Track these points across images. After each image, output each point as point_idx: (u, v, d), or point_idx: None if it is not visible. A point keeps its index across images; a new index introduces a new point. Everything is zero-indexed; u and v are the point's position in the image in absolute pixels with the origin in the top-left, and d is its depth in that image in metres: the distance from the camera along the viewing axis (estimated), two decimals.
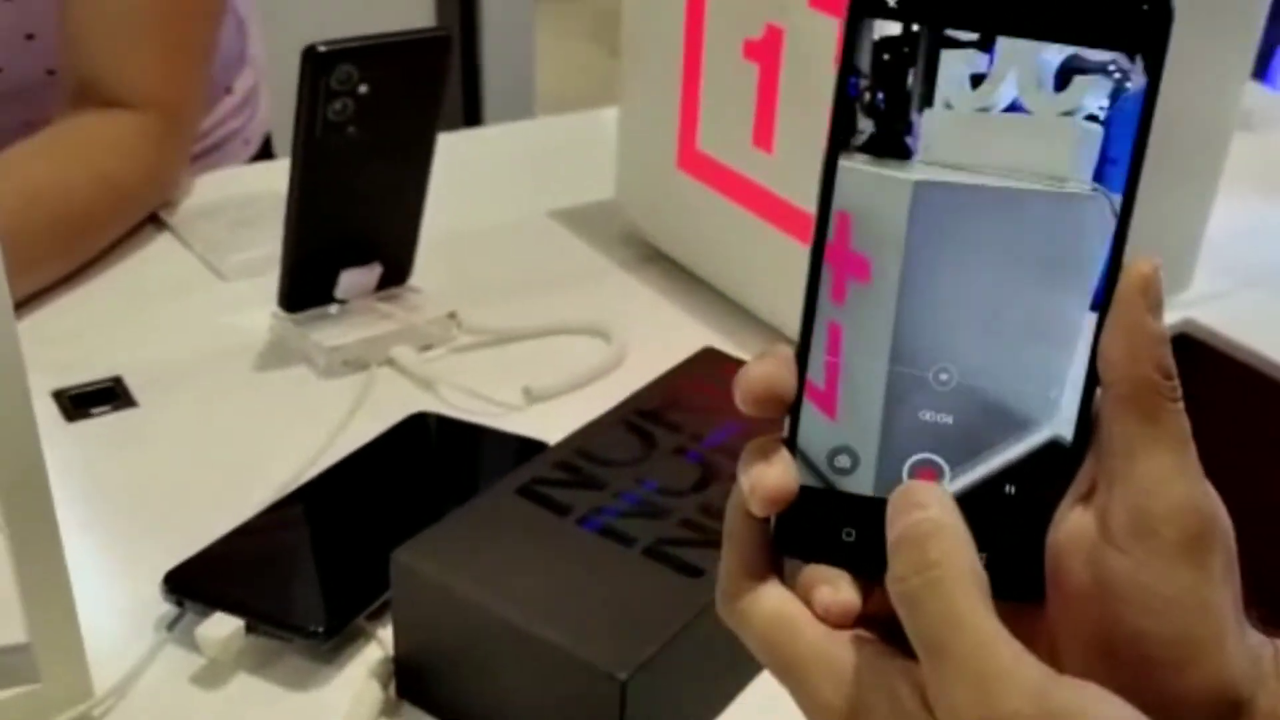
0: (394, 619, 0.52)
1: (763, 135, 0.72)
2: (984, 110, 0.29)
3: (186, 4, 0.86)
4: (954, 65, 0.29)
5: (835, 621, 0.32)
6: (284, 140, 1.15)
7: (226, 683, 0.53)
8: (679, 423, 0.58)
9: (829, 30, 0.65)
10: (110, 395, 0.71)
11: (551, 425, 0.65)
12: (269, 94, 1.13)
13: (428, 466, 0.66)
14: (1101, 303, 0.31)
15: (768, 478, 0.33)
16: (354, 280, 0.75)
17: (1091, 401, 0.32)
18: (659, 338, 0.75)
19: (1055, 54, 0.29)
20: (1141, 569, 0.31)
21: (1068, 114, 0.29)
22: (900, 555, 0.30)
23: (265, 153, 1.13)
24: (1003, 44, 0.29)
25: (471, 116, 2.15)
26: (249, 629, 0.53)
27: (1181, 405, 0.31)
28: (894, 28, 0.29)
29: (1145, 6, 0.28)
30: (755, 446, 0.34)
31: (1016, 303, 0.31)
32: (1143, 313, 0.31)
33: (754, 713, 0.52)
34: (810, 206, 0.70)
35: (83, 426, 0.68)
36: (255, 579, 0.56)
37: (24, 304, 0.77)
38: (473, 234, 0.88)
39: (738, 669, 0.53)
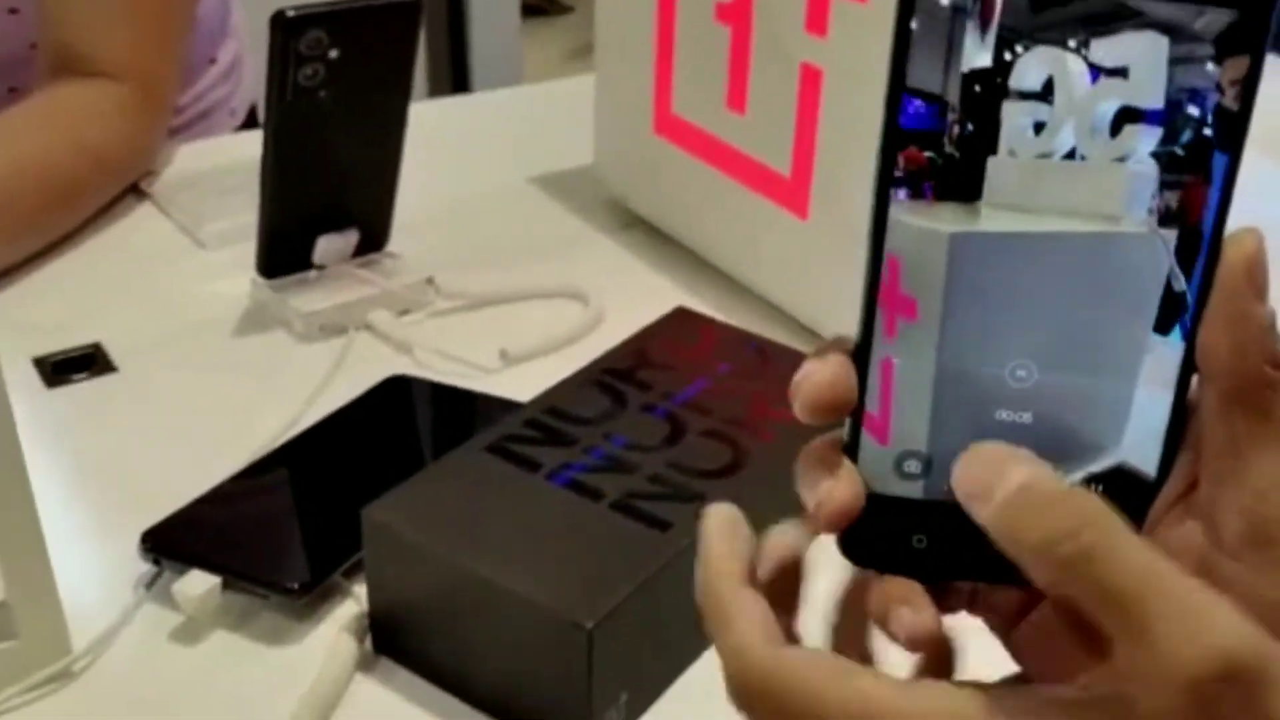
0: (367, 575, 0.53)
1: (736, 97, 0.72)
2: (1045, 156, 0.30)
3: None
4: (1017, 115, 0.29)
5: (918, 647, 0.30)
6: None
7: (204, 639, 0.54)
8: (649, 380, 0.58)
9: None
10: (90, 361, 0.71)
11: (528, 387, 0.65)
12: (253, 64, 1.13)
13: (405, 428, 0.66)
14: (1198, 297, 0.30)
15: (836, 495, 0.31)
16: (331, 246, 0.76)
17: (1177, 433, 0.31)
18: (636, 300, 0.76)
19: (1111, 103, 0.29)
20: (1261, 578, 0.29)
21: (1121, 159, 0.30)
22: (1044, 518, 0.27)
23: (251, 123, 1.13)
24: (1059, 96, 0.29)
25: (459, 85, 2.15)
26: (226, 586, 0.54)
27: None
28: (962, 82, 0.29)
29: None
30: (814, 458, 0.32)
31: (1071, 335, 0.31)
32: (1248, 299, 0.29)
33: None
34: (781, 167, 0.70)
35: (63, 392, 0.69)
36: (232, 537, 0.56)
37: (4, 273, 0.77)
38: (451, 201, 0.89)
39: None
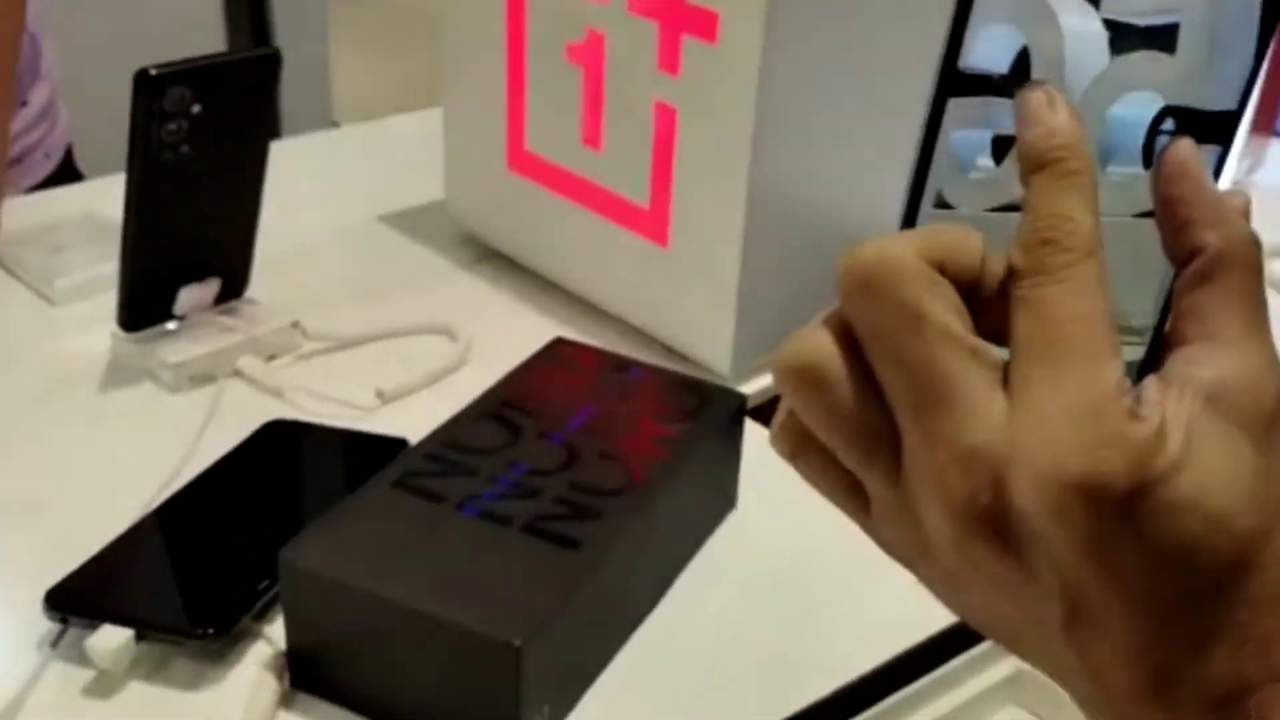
0: (285, 614, 0.54)
1: (591, 134, 0.76)
2: None
3: None
4: None
5: None
6: (88, 155, 1.14)
7: (119, 691, 0.54)
8: (540, 410, 0.61)
9: (648, 33, 0.70)
10: None
11: (406, 424, 0.67)
12: (65, 107, 1.12)
13: (291, 470, 0.67)
14: None
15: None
16: (193, 296, 0.76)
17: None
18: (501, 332, 0.78)
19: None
20: None
21: None
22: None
23: (67, 164, 1.12)
24: None
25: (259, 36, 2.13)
26: (140, 637, 0.54)
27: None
28: None
29: None
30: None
31: None
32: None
33: (638, 664, 0.56)
34: (640, 199, 0.74)
35: None
36: (139, 589, 0.57)
37: None
38: (303, 243, 0.90)
39: (618, 627, 0.57)
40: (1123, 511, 0.28)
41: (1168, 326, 0.32)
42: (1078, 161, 0.30)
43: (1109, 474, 0.28)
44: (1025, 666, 0.57)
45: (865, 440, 0.32)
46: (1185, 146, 0.32)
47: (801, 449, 0.34)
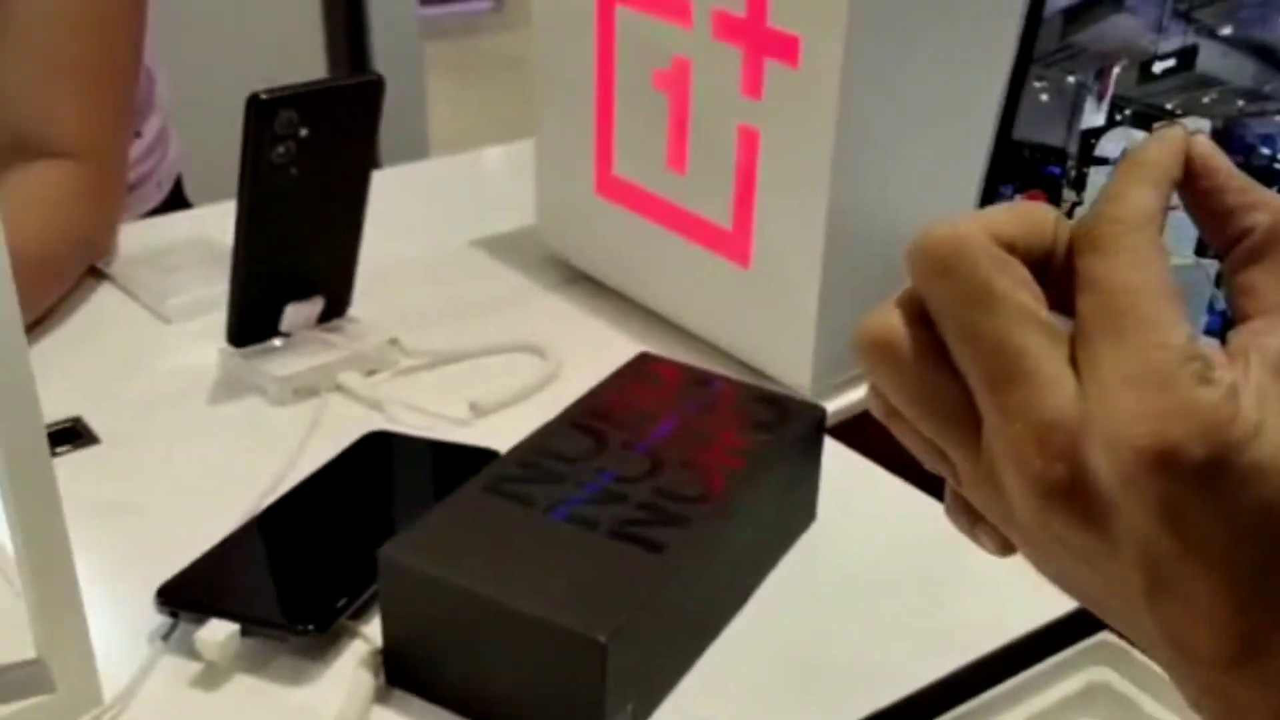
0: (382, 611, 0.56)
1: (676, 158, 0.78)
2: None
3: (109, 51, 0.90)
4: (1099, 176, 0.36)
5: None
6: (195, 182, 1.20)
7: (225, 684, 0.57)
8: (625, 421, 0.63)
9: (733, 59, 0.72)
10: (72, 435, 0.74)
11: (498, 437, 0.70)
12: (178, 138, 1.17)
13: (390, 477, 0.70)
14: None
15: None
16: (298, 313, 0.79)
17: None
18: (589, 351, 0.81)
19: None
20: None
21: (1173, 208, 0.36)
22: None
23: (177, 193, 1.17)
24: None
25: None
26: (244, 632, 0.57)
27: None
28: None
29: None
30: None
31: None
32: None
33: (720, 669, 0.58)
34: (723, 220, 0.76)
35: None
36: (245, 586, 0.60)
37: None
38: (400, 266, 0.93)
39: (700, 632, 0.59)
40: (1200, 478, 0.28)
41: (1226, 309, 0.33)
42: (1153, 155, 0.32)
43: (1182, 441, 0.28)
44: (1099, 678, 0.58)
45: (941, 413, 0.33)
46: (1205, 141, 0.33)
47: (892, 413, 0.34)
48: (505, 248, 0.97)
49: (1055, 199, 0.36)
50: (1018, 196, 0.37)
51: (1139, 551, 0.29)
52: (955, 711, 0.56)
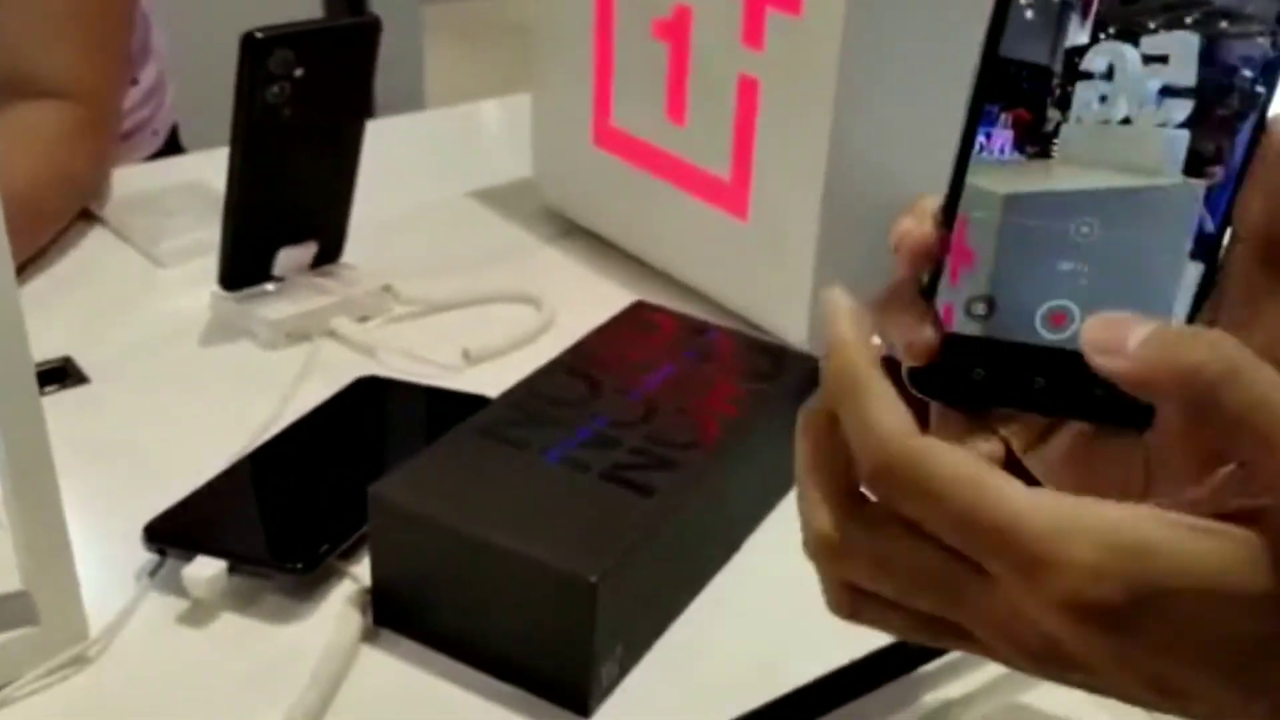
0: (371, 549, 0.56)
1: (675, 109, 0.77)
2: (1104, 122, 0.36)
3: None
4: (1086, 92, 0.36)
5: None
6: (190, 131, 1.19)
7: (211, 621, 0.57)
8: (619, 367, 0.63)
9: (733, 8, 0.71)
10: (61, 374, 0.73)
11: (490, 385, 0.69)
12: (173, 86, 1.16)
13: (379, 422, 0.70)
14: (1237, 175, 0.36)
15: (926, 333, 0.36)
16: (291, 258, 0.79)
17: (1205, 292, 0.36)
18: (583, 302, 0.80)
19: (1155, 83, 0.36)
20: None
21: (1161, 125, 0.36)
22: (1182, 351, 0.31)
23: (173, 142, 1.16)
24: (1118, 76, 0.36)
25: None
26: (231, 569, 0.57)
27: None
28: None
29: None
30: (894, 301, 0.36)
31: (1118, 264, 0.37)
32: None
33: (710, 616, 0.58)
34: (721, 172, 0.75)
35: None
36: (233, 525, 0.60)
37: None
38: (395, 215, 0.93)
39: (690, 576, 0.58)
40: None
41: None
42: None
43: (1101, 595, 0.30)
44: None
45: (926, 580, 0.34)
46: None
47: (861, 604, 0.36)
48: (501, 199, 0.96)
49: (1040, 117, 0.37)
50: (1004, 115, 0.37)
51: (1135, 677, 0.32)
52: (944, 659, 0.56)
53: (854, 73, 0.68)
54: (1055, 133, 0.37)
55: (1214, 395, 0.31)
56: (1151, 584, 0.30)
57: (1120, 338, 0.33)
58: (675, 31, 0.76)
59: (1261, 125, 0.36)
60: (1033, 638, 0.32)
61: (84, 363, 0.74)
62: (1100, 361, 0.33)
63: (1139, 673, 0.32)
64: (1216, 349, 0.31)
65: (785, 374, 0.63)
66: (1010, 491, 0.32)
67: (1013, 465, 0.40)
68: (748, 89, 0.72)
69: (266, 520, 0.61)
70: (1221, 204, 0.36)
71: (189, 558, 0.57)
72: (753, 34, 0.71)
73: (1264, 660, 0.31)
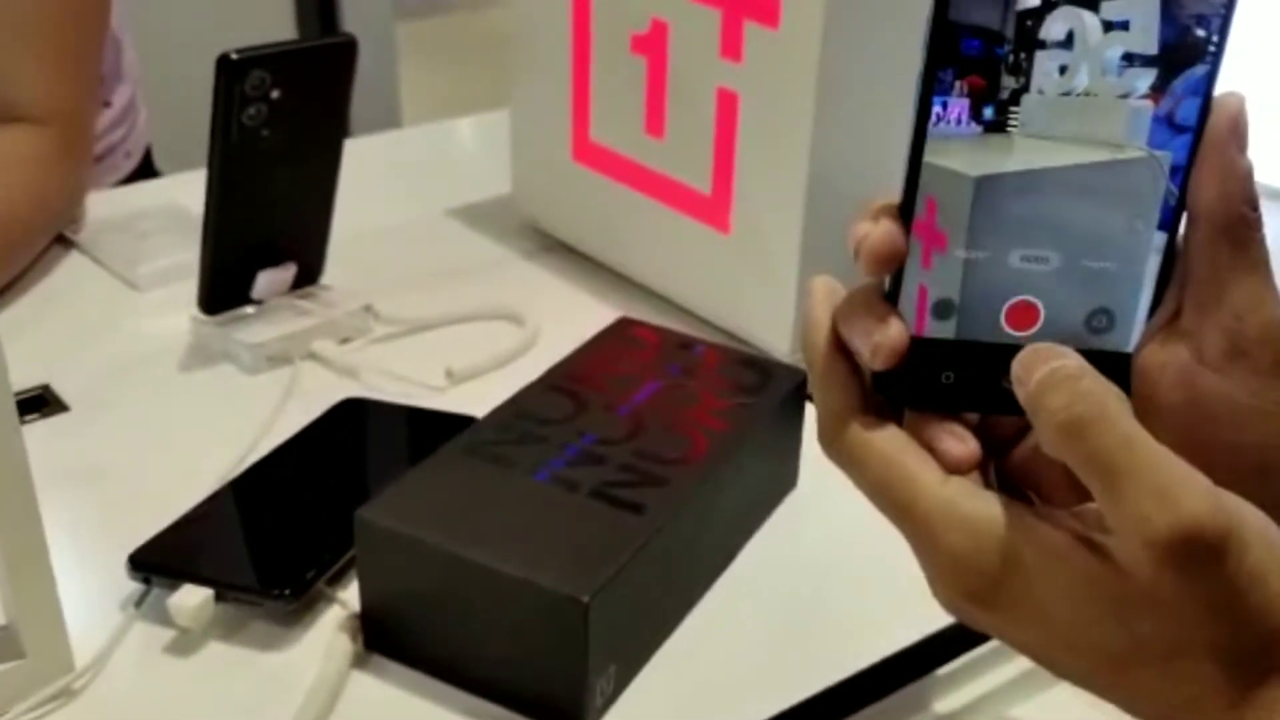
0: (360, 575, 0.56)
1: (654, 123, 0.77)
2: (1066, 94, 0.35)
3: (76, 15, 0.89)
4: (1046, 62, 0.35)
5: (963, 471, 0.36)
6: (165, 153, 1.18)
7: (199, 650, 0.56)
8: (605, 384, 0.63)
9: (711, 21, 0.71)
10: (40, 402, 0.73)
11: (475, 404, 0.69)
12: (145, 108, 1.15)
13: (364, 445, 0.69)
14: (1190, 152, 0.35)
15: (890, 336, 0.36)
16: (270, 280, 0.78)
17: (1168, 273, 0.36)
18: (567, 319, 0.80)
19: (1116, 50, 0.35)
20: (1237, 388, 0.34)
21: (1124, 96, 0.35)
22: (1052, 393, 0.33)
23: (147, 164, 1.15)
24: (1078, 44, 0.35)
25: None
26: (218, 598, 0.56)
27: (1264, 235, 0.35)
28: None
29: None
30: (860, 304, 0.37)
31: (1086, 238, 0.36)
32: (1233, 151, 0.34)
33: (703, 633, 0.57)
34: (702, 186, 0.75)
35: None
36: (218, 552, 0.59)
37: None
38: (374, 234, 0.92)
39: (682, 594, 0.58)
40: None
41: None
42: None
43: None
44: None
45: None
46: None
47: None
48: (480, 216, 0.96)
49: (995, 84, 0.36)
50: (958, 82, 0.36)
51: (1015, 644, 0.37)
52: (940, 671, 0.56)
53: (833, 84, 0.68)
54: (1013, 100, 0.36)
55: (1065, 441, 0.33)
56: (1011, 572, 0.34)
57: (1032, 367, 0.34)
58: (653, 45, 0.76)
59: (1208, 103, 0.35)
60: (939, 594, 0.38)
61: (62, 389, 0.74)
62: (1015, 390, 0.35)
63: (1015, 641, 0.36)
64: (1080, 392, 0.33)
65: (772, 387, 0.63)
66: (918, 473, 0.36)
67: (1003, 465, 0.40)
68: (727, 102, 0.72)
69: (252, 547, 0.60)
70: (1179, 177, 0.36)
71: (175, 586, 0.57)
72: (731, 47, 0.71)
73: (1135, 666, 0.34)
